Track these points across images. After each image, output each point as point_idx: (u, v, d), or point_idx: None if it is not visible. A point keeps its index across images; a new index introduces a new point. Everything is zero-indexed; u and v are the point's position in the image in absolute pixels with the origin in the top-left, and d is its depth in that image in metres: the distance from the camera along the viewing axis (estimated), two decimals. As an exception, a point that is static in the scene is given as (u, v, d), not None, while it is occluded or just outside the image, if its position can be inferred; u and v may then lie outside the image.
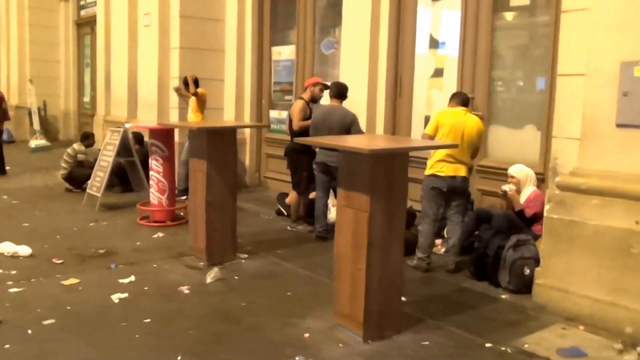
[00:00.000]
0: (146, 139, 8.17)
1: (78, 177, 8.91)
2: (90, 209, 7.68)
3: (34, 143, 14.06)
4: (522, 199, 5.50)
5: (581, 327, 4.20)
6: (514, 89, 6.45)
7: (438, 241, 6.14)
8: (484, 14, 6.31)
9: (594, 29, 4.30)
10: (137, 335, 3.95)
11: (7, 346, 3.73)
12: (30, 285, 4.90)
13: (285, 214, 7.35)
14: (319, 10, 8.43)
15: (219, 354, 3.74)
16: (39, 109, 15.01)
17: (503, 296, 4.85)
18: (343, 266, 4.00)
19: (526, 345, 3.91)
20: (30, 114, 14.71)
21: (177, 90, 9.12)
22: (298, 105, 6.84)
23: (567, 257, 4.36)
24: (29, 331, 3.97)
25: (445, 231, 6.13)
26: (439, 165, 5.30)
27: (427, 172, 5.41)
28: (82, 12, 14.48)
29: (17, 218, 7.23)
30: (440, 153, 5.29)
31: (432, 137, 5.33)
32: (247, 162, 9.50)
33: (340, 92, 6.43)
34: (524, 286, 4.79)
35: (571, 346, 3.92)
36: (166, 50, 9.40)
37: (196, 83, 8.33)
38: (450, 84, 6.68)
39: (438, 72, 6.91)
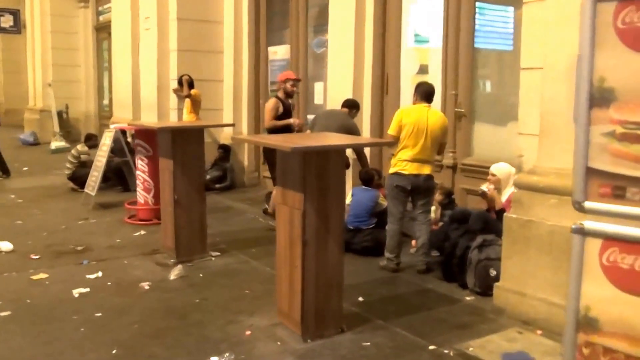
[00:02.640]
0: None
1: (81, 177, 9.04)
2: (85, 208, 7.82)
3: (54, 144, 14.39)
4: (504, 197, 5.35)
5: (538, 332, 4.05)
6: (496, 85, 6.30)
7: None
8: (465, 7, 6.18)
9: (549, 20, 4.16)
10: (82, 329, 4.01)
11: (-48, 337, 3.82)
12: (0, 279, 5.02)
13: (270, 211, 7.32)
14: (311, 9, 8.42)
15: (152, 347, 3.76)
16: (61, 111, 15.40)
17: (467, 298, 4.72)
18: (281, 264, 3.97)
19: (470, 349, 3.78)
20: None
21: (175, 91, 9.21)
22: (269, 104, 6.79)
23: (524, 259, 4.20)
24: (-18, 322, 4.07)
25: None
26: (402, 164, 5.20)
27: (390, 170, 5.32)
28: (101, 18, 14.80)
29: (14, 216, 7.42)
30: (405, 153, 5.19)
31: (395, 138, 5.22)
32: (245, 161, 9.51)
33: (347, 102, 6.60)
34: (490, 288, 4.64)
35: (518, 351, 3.79)
36: (165, 53, 9.52)
37: (190, 84, 8.39)
38: (434, 81, 6.53)
39: (423, 69, 6.80)
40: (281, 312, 4.04)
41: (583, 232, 2.48)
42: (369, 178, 6.15)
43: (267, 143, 3.97)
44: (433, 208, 5.98)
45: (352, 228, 5.78)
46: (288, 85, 6.83)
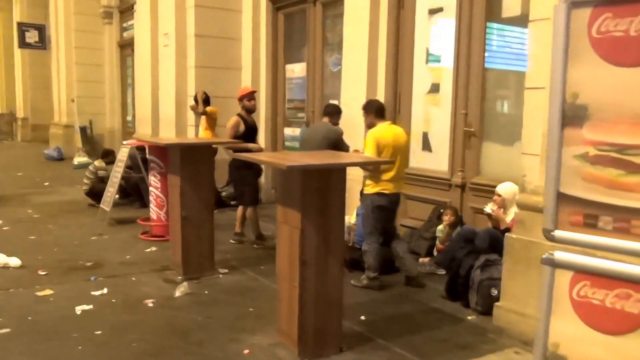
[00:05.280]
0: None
1: (99, 192, 9.16)
2: (100, 224, 7.91)
3: (77, 160, 14.63)
4: (509, 217, 5.30)
5: (539, 353, 4.00)
6: (506, 105, 6.27)
7: (425, 259, 6.02)
8: (477, 27, 6.18)
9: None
10: (80, 347, 4.03)
11: (-48, 352, 3.88)
12: (5, 295, 5.09)
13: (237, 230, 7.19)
14: (328, 27, 8.47)
15: (150, 366, 3.78)
16: (85, 127, 15.69)
17: (469, 317, 4.68)
18: (281, 283, 3.98)
19: (468, 369, 3.76)
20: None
21: (191, 108, 9.32)
22: (230, 122, 6.75)
23: (525, 279, 4.16)
24: (-18, 339, 4.12)
25: (435, 250, 6.02)
26: (384, 184, 5.23)
27: (372, 190, 5.28)
28: (125, 34, 15.04)
29: (29, 231, 7.53)
30: (387, 174, 5.21)
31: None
32: (262, 179, 9.54)
33: (326, 110, 6.46)
34: (491, 308, 4.60)
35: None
36: (183, 69, 9.66)
37: (206, 101, 8.48)
38: (445, 100, 6.56)
39: (435, 88, 6.79)
40: (281, 331, 4.03)
41: (553, 264, 2.31)
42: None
43: (266, 161, 3.99)
44: (441, 227, 5.96)
45: (358, 246, 5.76)
46: (245, 101, 6.84)
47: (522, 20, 5.92)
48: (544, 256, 2.35)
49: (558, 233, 2.29)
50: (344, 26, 7.50)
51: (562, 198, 2.25)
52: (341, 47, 7.76)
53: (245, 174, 6.66)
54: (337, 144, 6.15)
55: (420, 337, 4.27)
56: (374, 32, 7.08)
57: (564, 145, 2.23)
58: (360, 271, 5.51)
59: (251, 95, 6.93)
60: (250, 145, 6.67)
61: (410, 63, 6.97)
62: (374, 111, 5.42)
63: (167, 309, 4.81)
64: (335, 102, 8.08)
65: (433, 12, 6.79)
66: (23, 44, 17.96)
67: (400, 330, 4.36)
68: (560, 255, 2.31)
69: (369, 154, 5.15)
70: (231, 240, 6.91)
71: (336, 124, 6.44)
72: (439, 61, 6.78)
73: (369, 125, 5.44)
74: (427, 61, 6.87)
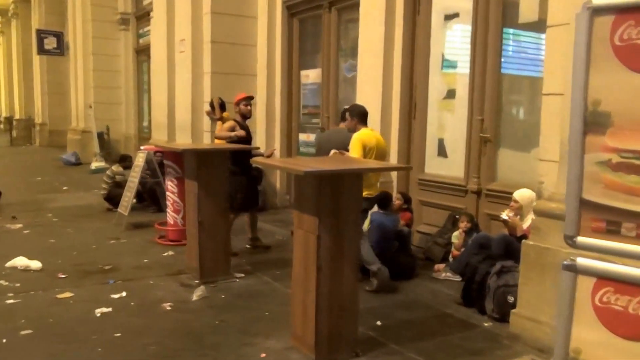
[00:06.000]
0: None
1: (116, 197, 9.26)
2: (117, 227, 8.00)
3: (94, 165, 14.78)
4: (526, 224, 5.30)
5: (553, 360, 3.99)
6: (523, 111, 6.26)
7: (440, 266, 6.02)
8: (493, 32, 6.17)
9: (571, 45, 4.12)
10: (99, 349, 4.08)
11: (-25, 353, 3.95)
12: (26, 297, 5.16)
13: None
14: (342, 33, 8.50)
15: (165, 369, 3.82)
16: (102, 132, 15.84)
17: (485, 324, 4.67)
18: (296, 288, 4.00)
19: (483, 375, 3.76)
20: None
21: (207, 114, 9.38)
22: (225, 125, 6.78)
23: (540, 286, 4.16)
24: (4, 340, 4.18)
25: (450, 256, 6.03)
26: (370, 188, 5.38)
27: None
28: (141, 41, 15.20)
29: (48, 235, 7.64)
30: (373, 177, 5.31)
31: None
32: (277, 184, 9.61)
33: (342, 115, 6.46)
34: (507, 314, 4.59)
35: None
36: (199, 75, 9.73)
37: (222, 107, 8.53)
38: (461, 105, 6.56)
39: (450, 94, 6.79)
40: (296, 335, 4.06)
41: (575, 270, 2.30)
42: (385, 201, 6.11)
43: (282, 167, 4.01)
44: (456, 234, 5.96)
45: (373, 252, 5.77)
46: (241, 105, 6.84)
47: (538, 26, 5.94)
48: (565, 262, 2.34)
49: (580, 239, 2.29)
50: (359, 32, 7.51)
51: (583, 204, 2.25)
52: (356, 53, 7.78)
53: (239, 179, 6.54)
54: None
55: (434, 342, 4.28)
56: (389, 37, 7.09)
57: (585, 152, 2.24)
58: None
59: (248, 100, 6.93)
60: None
61: (425, 69, 6.98)
62: (359, 116, 5.61)
63: (184, 313, 4.85)
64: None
65: (449, 17, 6.80)
66: (41, 50, 18.19)
67: (414, 336, 4.37)
68: (582, 261, 2.30)
69: (355, 155, 5.32)
70: (247, 245, 6.95)
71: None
72: (454, 67, 6.80)
73: (352, 129, 5.63)
74: (443, 67, 6.88)
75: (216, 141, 6.93)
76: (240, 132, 6.68)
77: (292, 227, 7.42)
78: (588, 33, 2.21)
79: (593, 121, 2.21)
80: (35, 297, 5.19)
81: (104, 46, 15.91)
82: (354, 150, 5.33)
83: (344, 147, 6.06)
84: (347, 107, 6.52)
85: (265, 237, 7.48)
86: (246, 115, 6.91)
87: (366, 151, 5.31)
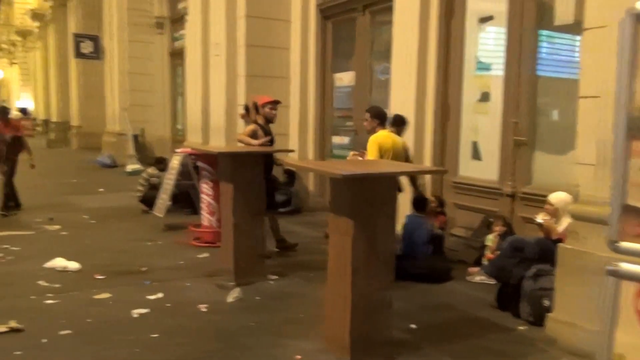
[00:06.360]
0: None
1: (151, 199, 9.41)
2: (153, 229, 8.12)
3: (129, 167, 15.02)
4: (562, 227, 5.24)
5: (589, 365, 3.95)
6: (558, 113, 6.19)
7: (474, 269, 5.99)
8: (528, 35, 6.13)
9: (609, 47, 4.07)
10: (136, 350, 4.14)
11: (17, 352, 4.03)
12: (66, 297, 5.27)
13: None
14: (376, 36, 8.52)
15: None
16: (137, 135, 16.09)
17: (520, 328, 4.64)
18: (331, 290, 4.03)
19: (519, 380, 3.73)
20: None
21: (242, 117, 9.47)
22: (248, 129, 6.73)
23: (578, 290, 4.10)
24: (44, 340, 4.26)
25: (484, 259, 5.99)
26: None
27: None
28: (175, 44, 15.42)
29: (85, 236, 7.79)
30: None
31: None
32: (310, 186, 9.65)
33: (393, 120, 6.47)
34: (543, 318, 4.54)
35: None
36: (233, 78, 9.85)
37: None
38: (495, 108, 6.52)
39: (485, 97, 6.76)
40: (330, 337, 4.07)
41: (619, 275, 2.27)
42: (422, 204, 6.11)
43: (317, 170, 4.05)
44: (490, 237, 5.93)
45: (407, 255, 5.78)
46: (267, 109, 6.77)
47: (574, 28, 5.88)
48: (608, 267, 2.31)
49: (623, 244, 2.26)
50: (393, 34, 7.52)
51: (627, 210, 2.23)
52: (389, 56, 7.80)
53: None
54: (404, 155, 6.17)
55: (469, 346, 4.27)
56: (424, 40, 7.09)
57: (629, 158, 2.21)
58: (406, 279, 5.52)
59: (274, 104, 6.86)
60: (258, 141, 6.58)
61: (459, 71, 6.96)
62: (379, 117, 5.69)
63: (219, 314, 4.91)
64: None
65: (483, 20, 6.78)
66: (78, 54, 18.54)
67: (448, 339, 4.36)
68: (627, 266, 2.26)
69: (372, 157, 5.41)
70: (275, 249, 6.98)
71: (399, 134, 6.47)
72: (488, 69, 6.76)
73: (371, 130, 5.71)
74: (477, 69, 6.85)
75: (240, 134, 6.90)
76: (264, 140, 6.62)
77: (324, 229, 7.54)
78: (633, 37, 2.17)
79: (638, 126, 2.19)
80: (73, 297, 5.30)
81: (140, 50, 16.17)
82: (370, 152, 5.44)
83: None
84: (397, 113, 6.56)
85: (297, 239, 7.51)
86: (270, 120, 6.85)
87: (382, 152, 5.40)
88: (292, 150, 8.45)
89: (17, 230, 8.00)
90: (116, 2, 16.36)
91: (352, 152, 5.93)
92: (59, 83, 26.80)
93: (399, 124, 6.45)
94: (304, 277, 5.94)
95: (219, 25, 10.21)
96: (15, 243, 7.21)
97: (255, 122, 6.81)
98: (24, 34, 36.84)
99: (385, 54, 8.25)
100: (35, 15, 30.36)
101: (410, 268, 5.69)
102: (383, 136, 5.61)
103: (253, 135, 6.60)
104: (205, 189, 7.26)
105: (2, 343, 4.20)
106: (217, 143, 10.21)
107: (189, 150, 8.58)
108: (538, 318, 4.60)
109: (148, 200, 9.39)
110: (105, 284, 5.65)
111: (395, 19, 7.49)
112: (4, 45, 47.29)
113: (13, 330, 4.40)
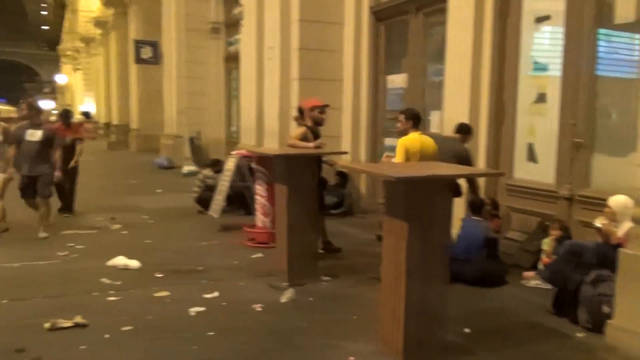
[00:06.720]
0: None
1: (207, 200, 9.61)
2: (208, 229, 8.30)
3: (186, 169, 15.36)
4: (622, 232, 5.11)
5: (652, 373, 3.85)
6: (619, 114, 6.03)
7: (529, 273, 5.90)
8: (587, 34, 6.00)
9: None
10: (195, 347, 4.25)
11: (82, 347, 4.21)
12: (127, 294, 5.45)
13: None
14: (429, 37, 8.48)
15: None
16: (193, 137, 16.43)
17: (578, 334, 4.54)
18: (385, 293, 4.04)
19: (577, 387, 3.67)
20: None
21: (296, 119, 9.56)
22: (297, 132, 6.73)
23: None
24: (107, 335, 4.43)
25: (539, 264, 5.90)
26: None
27: None
28: (230, 49, 15.69)
29: (144, 235, 8.02)
30: None
31: None
32: (362, 188, 9.67)
33: (461, 127, 6.50)
34: (602, 325, 4.45)
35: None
36: (287, 81, 9.97)
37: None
38: (552, 110, 6.41)
39: (541, 98, 6.64)
40: (383, 340, 4.09)
41: None
42: (479, 207, 6.07)
43: (373, 172, 4.07)
44: (547, 241, 5.82)
45: (462, 258, 5.73)
46: (316, 112, 6.76)
47: (635, 27, 5.73)
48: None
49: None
50: (446, 35, 7.47)
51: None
52: (442, 57, 7.76)
53: None
54: (468, 162, 6.14)
55: (524, 352, 4.21)
56: (478, 41, 7.03)
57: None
58: (460, 283, 5.48)
59: (323, 108, 6.86)
60: (311, 144, 6.58)
61: (514, 72, 6.86)
62: (413, 119, 5.64)
63: (273, 314, 4.98)
64: (437, 112, 8.11)
65: (540, 20, 6.67)
66: (138, 59, 19.05)
67: (503, 345, 4.32)
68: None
69: (398, 160, 5.41)
70: (320, 251, 6.89)
71: (464, 142, 6.47)
72: (545, 70, 6.64)
73: (403, 132, 5.67)
74: (533, 70, 6.75)
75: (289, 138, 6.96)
76: (318, 143, 6.65)
77: (376, 231, 7.55)
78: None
79: None
80: (134, 294, 5.47)
81: (196, 54, 16.53)
82: (397, 155, 5.48)
83: (454, 157, 5.96)
84: (463, 122, 6.54)
85: (349, 241, 7.56)
86: (319, 123, 6.86)
87: (409, 155, 5.40)
88: (345, 152, 8.47)
89: (82, 229, 8.31)
90: (174, 8, 16.77)
91: (385, 154, 5.93)
92: (119, 87, 27.60)
93: (464, 132, 6.46)
94: (356, 279, 5.96)
95: (273, 30, 10.36)
96: (79, 241, 7.51)
97: (305, 125, 6.86)
98: (87, 40, 38.10)
99: (439, 56, 8.21)
100: (98, 22, 31.38)
101: (464, 271, 5.65)
102: (411, 139, 5.55)
103: (303, 138, 6.65)
104: (260, 191, 7.38)
105: (68, 337, 4.38)
106: (271, 145, 10.35)
107: (244, 152, 8.73)
108: (597, 325, 4.50)
109: (204, 201, 9.58)
110: (164, 282, 5.81)
111: (449, 19, 7.44)
112: (68, 52, 49.14)
113: (77, 326, 4.58)
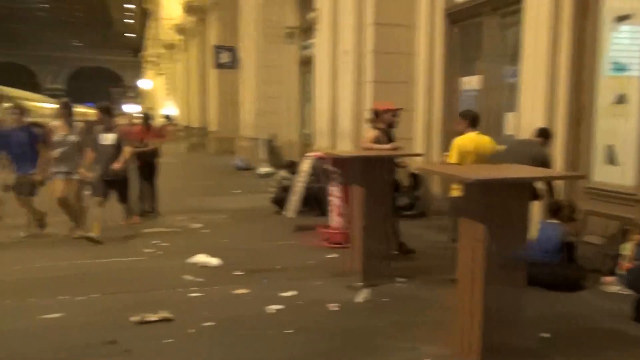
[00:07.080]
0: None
1: (282, 200, 9.86)
2: (284, 229, 8.52)
3: (262, 170, 15.74)
4: None
5: None
6: None
7: (609, 278, 5.78)
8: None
9: None
10: (274, 344, 4.42)
11: (168, 340, 4.47)
12: (208, 291, 5.72)
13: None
14: (504, 38, 8.40)
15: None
16: (269, 140, 16.82)
17: (661, 343, 4.45)
18: (461, 296, 4.06)
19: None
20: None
21: (370, 121, 9.67)
22: (370, 135, 6.77)
23: None
24: (191, 330, 4.66)
25: (618, 269, 5.77)
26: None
27: (455, 193, 5.53)
28: (304, 52, 15.98)
29: (222, 234, 8.35)
30: None
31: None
32: (435, 190, 9.67)
33: (543, 132, 6.41)
34: (687, 333, 4.35)
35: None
36: (361, 84, 10.09)
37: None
38: (633, 111, 6.25)
39: (621, 99, 6.48)
40: (460, 343, 4.09)
41: None
42: (556, 210, 5.99)
43: (448, 174, 4.12)
44: (628, 246, 5.69)
45: (538, 262, 5.68)
46: (389, 115, 6.82)
47: None
48: None
49: None
50: (522, 36, 7.40)
51: None
52: (517, 58, 7.67)
53: None
54: (546, 166, 6.05)
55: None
56: (555, 41, 6.92)
57: None
58: (536, 287, 5.43)
59: (397, 112, 6.96)
60: (388, 145, 6.69)
61: (592, 73, 6.74)
62: (470, 120, 5.78)
63: (348, 314, 5.10)
64: (511, 113, 8.02)
65: (620, 19, 6.51)
66: (218, 64, 19.65)
67: (582, 351, 4.27)
68: None
69: (452, 160, 5.58)
70: (394, 252, 6.88)
71: (544, 146, 6.39)
72: (625, 70, 6.48)
73: (460, 132, 5.83)
74: (612, 70, 6.59)
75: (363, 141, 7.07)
76: (394, 145, 6.76)
77: (449, 233, 7.53)
78: None
79: None
80: (215, 291, 5.72)
81: (272, 59, 16.92)
82: (450, 155, 5.66)
83: (532, 160, 5.91)
84: (542, 126, 6.49)
85: (422, 242, 7.57)
86: (391, 125, 6.95)
87: (463, 155, 5.57)
88: (420, 154, 8.50)
89: (165, 228, 8.73)
90: (252, 15, 17.21)
91: (445, 153, 5.97)
92: (198, 91, 28.51)
93: (544, 136, 6.39)
94: (431, 280, 5.98)
95: (347, 33, 10.50)
96: (163, 239, 7.91)
97: (378, 127, 6.95)
98: (168, 47, 39.53)
99: (513, 57, 8.12)
100: (180, 29, 32.49)
101: (541, 275, 5.58)
102: (465, 139, 5.69)
103: (377, 141, 6.75)
104: (334, 192, 7.53)
105: (154, 331, 4.66)
106: (344, 147, 10.49)
107: (319, 154, 8.90)
108: (681, 332, 4.40)
109: (280, 202, 9.84)
110: (243, 280, 6.04)
111: (525, 19, 7.36)
112: (151, 58, 51.10)
113: (163, 320, 4.85)
